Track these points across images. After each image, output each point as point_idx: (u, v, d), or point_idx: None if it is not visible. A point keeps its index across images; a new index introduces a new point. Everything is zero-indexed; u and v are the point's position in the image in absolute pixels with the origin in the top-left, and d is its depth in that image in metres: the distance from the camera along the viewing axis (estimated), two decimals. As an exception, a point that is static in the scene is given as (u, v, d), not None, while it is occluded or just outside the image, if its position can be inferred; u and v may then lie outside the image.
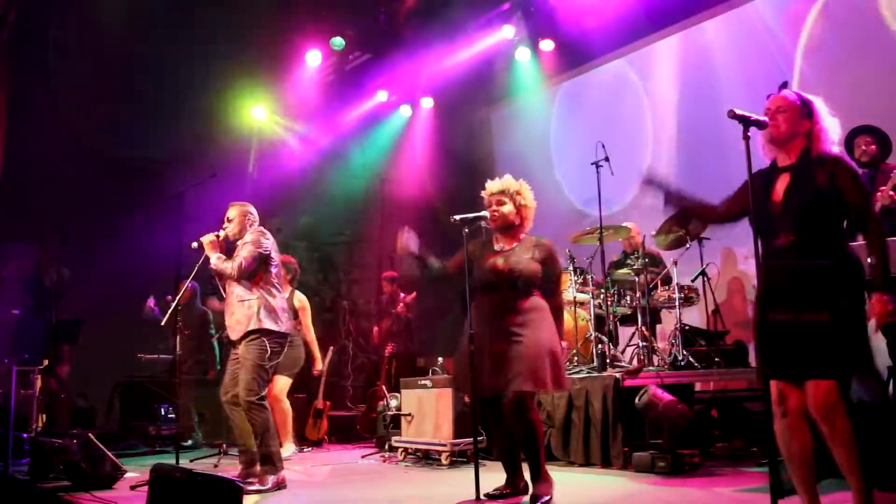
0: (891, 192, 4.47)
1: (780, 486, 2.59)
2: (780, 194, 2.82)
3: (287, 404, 6.48)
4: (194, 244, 4.75)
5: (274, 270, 4.74)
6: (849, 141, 5.07)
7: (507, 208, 3.91)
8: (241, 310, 4.58)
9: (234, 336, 4.61)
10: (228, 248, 4.84)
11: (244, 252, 4.62)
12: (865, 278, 2.74)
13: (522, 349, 3.69)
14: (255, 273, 4.63)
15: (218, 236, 4.75)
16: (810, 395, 2.68)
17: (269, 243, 4.73)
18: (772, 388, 2.80)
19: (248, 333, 4.53)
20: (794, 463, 2.78)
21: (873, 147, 4.93)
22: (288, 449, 6.36)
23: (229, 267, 4.59)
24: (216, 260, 4.65)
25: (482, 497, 3.71)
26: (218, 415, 7.01)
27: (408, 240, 3.90)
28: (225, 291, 4.82)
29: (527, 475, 3.89)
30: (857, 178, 2.77)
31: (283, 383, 6.39)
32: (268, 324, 4.57)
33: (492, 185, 3.98)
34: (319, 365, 6.81)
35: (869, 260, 2.74)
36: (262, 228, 4.82)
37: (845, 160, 2.81)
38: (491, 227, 3.98)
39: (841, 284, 2.69)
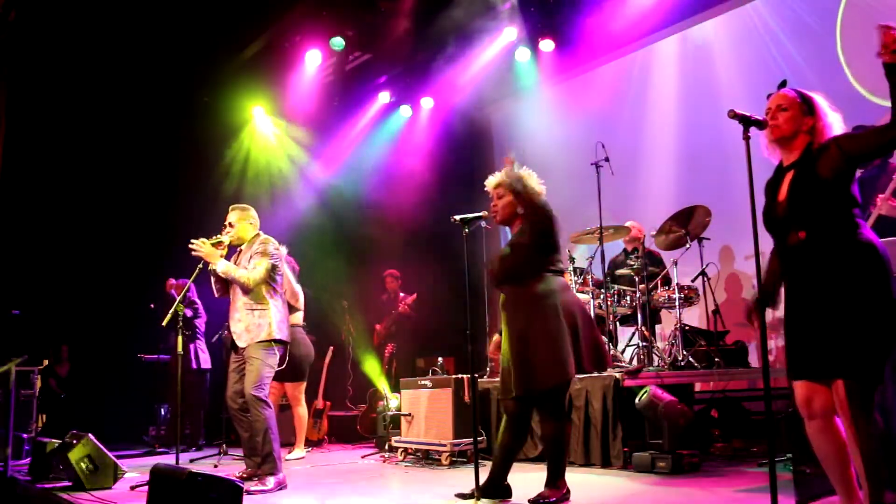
0: (890, 198, 4.44)
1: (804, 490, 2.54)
2: (784, 193, 2.77)
3: (304, 409, 6.51)
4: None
5: (279, 279, 4.75)
6: None
7: (505, 200, 3.82)
8: (251, 318, 4.57)
9: (240, 343, 4.59)
10: (228, 252, 4.83)
11: (256, 262, 4.59)
12: (889, 269, 2.64)
13: (532, 346, 3.59)
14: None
15: (221, 242, 4.72)
16: (835, 394, 2.61)
17: (278, 253, 4.73)
18: (797, 391, 2.72)
19: (259, 342, 4.55)
20: (828, 463, 2.70)
21: None
22: (297, 453, 6.38)
23: (244, 276, 4.56)
24: (226, 267, 4.60)
25: (480, 498, 3.70)
26: (218, 415, 7.04)
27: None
28: (216, 287, 4.80)
29: (527, 476, 3.87)
30: (850, 133, 2.71)
31: (296, 390, 6.41)
32: (279, 335, 4.60)
33: (490, 181, 3.90)
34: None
35: None
36: (267, 236, 4.79)
37: (839, 135, 2.74)
38: (494, 223, 3.94)
39: (861, 276, 2.60)
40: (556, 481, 3.69)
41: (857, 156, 2.68)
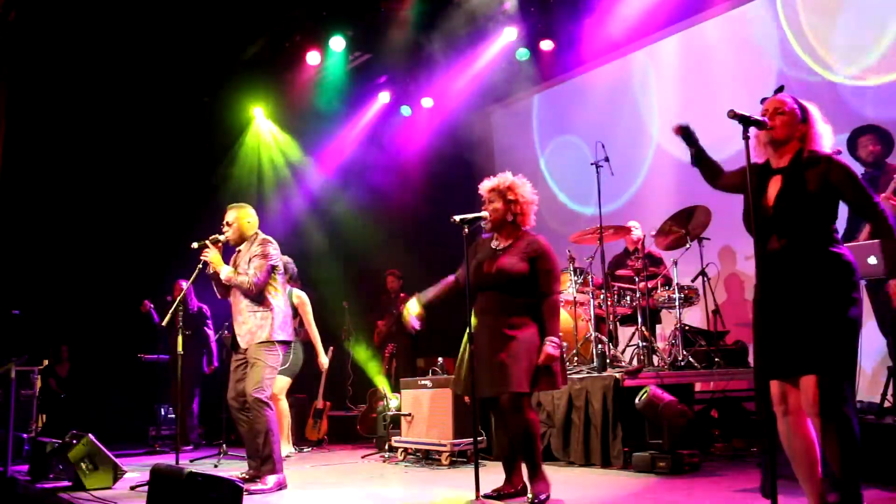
0: (891, 197, 4.46)
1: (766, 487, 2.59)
2: (771, 198, 2.84)
3: (285, 404, 6.47)
4: (194, 245, 4.73)
5: (280, 278, 4.74)
6: (852, 141, 5.06)
7: (496, 206, 3.85)
8: (254, 320, 4.57)
9: (243, 344, 4.59)
10: (227, 252, 4.82)
11: (256, 265, 4.57)
12: (857, 279, 2.75)
13: (514, 350, 3.67)
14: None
15: (218, 241, 4.72)
16: (804, 392, 2.70)
17: (277, 252, 4.70)
18: (772, 389, 2.82)
19: (260, 342, 4.54)
20: (797, 461, 2.79)
21: (878, 147, 4.93)
22: (284, 449, 6.36)
23: (245, 282, 4.54)
24: (229, 273, 4.59)
25: (481, 497, 3.71)
26: (218, 415, 7.03)
27: (412, 320, 3.97)
28: (218, 290, 4.79)
29: (525, 475, 3.89)
30: (850, 173, 2.77)
31: (282, 383, 6.39)
32: (281, 335, 4.59)
33: (484, 184, 3.94)
34: (323, 359, 6.64)
35: (871, 260, 2.75)
36: (266, 236, 4.76)
37: (837, 159, 2.81)
38: (486, 226, 3.96)
39: (832, 285, 2.70)
40: (537, 472, 3.75)
41: (838, 193, 2.76)
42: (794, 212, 2.76)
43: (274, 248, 4.69)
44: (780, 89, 2.95)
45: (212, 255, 4.62)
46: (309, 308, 6.59)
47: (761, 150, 2.95)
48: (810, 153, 2.82)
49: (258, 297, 4.58)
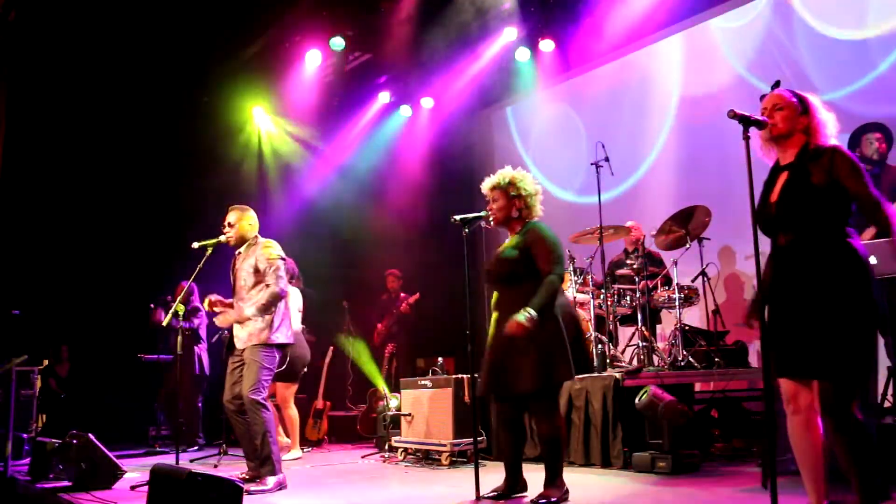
0: None
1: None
2: (776, 194, 2.82)
3: (294, 410, 6.48)
4: (195, 244, 4.73)
5: None
6: (856, 138, 5.05)
7: (499, 203, 3.85)
8: (255, 322, 4.55)
9: (240, 345, 4.59)
10: (225, 252, 4.82)
11: (271, 271, 4.58)
12: (871, 277, 2.69)
13: (523, 346, 3.60)
14: None
15: (219, 242, 4.72)
16: (819, 395, 2.67)
17: (280, 253, 4.71)
18: (783, 386, 2.79)
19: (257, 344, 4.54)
20: (804, 460, 2.77)
21: (884, 145, 4.94)
22: (294, 453, 6.36)
23: (271, 297, 4.52)
24: (253, 311, 4.53)
25: (481, 497, 3.71)
26: (218, 415, 7.03)
27: None
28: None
29: (527, 476, 3.88)
30: (855, 167, 2.71)
31: (287, 391, 6.39)
32: (280, 338, 4.59)
33: (485, 183, 3.92)
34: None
35: (872, 260, 2.70)
36: (268, 240, 4.76)
37: (842, 150, 2.75)
38: (488, 224, 3.95)
39: (842, 284, 2.65)
40: (555, 480, 3.71)
41: (843, 185, 2.70)
42: (796, 206, 2.73)
43: (278, 251, 4.69)
44: (776, 84, 2.94)
45: (226, 319, 4.62)
46: (298, 306, 6.56)
47: (768, 149, 2.92)
48: (816, 146, 2.78)
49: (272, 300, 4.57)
